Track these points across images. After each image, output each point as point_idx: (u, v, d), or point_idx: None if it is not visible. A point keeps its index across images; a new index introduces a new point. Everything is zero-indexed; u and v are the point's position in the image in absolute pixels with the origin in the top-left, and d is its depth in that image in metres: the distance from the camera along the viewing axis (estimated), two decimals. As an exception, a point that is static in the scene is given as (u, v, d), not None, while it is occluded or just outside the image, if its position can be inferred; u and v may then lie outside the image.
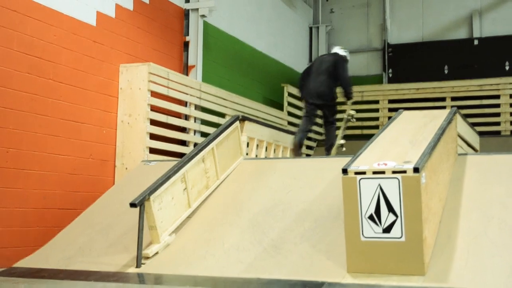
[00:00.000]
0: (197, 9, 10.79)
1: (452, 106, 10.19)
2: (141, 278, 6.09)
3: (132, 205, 6.36)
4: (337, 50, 10.71)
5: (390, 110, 14.89)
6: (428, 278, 5.26)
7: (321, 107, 10.15)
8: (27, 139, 7.51)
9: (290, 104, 13.84)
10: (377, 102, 15.46)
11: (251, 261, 6.15)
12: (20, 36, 7.45)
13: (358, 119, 15.33)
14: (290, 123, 13.58)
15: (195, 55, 10.81)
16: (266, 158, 9.20)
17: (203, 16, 10.84)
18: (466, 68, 15.17)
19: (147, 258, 6.40)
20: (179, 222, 6.99)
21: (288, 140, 10.32)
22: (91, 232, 7.14)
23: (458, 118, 7.99)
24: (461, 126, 8.15)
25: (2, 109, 7.19)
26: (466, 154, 7.80)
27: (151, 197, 6.49)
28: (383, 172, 5.43)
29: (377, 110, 15.40)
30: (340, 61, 10.33)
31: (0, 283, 5.82)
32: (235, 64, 12.31)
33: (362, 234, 5.48)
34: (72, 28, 8.24)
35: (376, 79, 16.16)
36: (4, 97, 7.22)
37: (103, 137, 8.72)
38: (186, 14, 10.81)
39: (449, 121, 7.10)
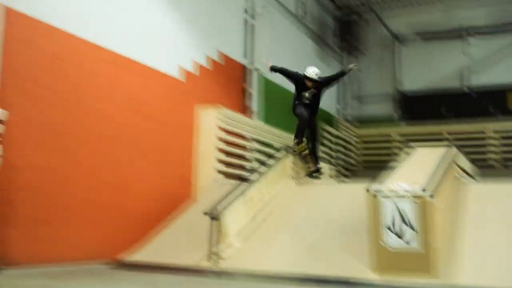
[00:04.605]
0: (252, 64, 10.93)
1: (451, 144, 10.06)
2: (213, 272, 6.15)
3: (208, 215, 6.46)
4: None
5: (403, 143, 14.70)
6: (438, 280, 5.22)
7: None
8: (127, 161, 7.71)
9: (324, 138, 13.78)
10: (391, 138, 15.24)
11: (296, 261, 6.15)
12: (128, 87, 7.80)
13: (373, 148, 15.36)
14: (323, 152, 13.50)
15: (252, 100, 10.93)
16: (307, 181, 9.13)
17: (257, 69, 10.96)
18: (459, 111, 14.97)
19: (219, 256, 6.45)
20: (243, 228, 7.04)
21: (323, 167, 10.30)
22: (180, 236, 7.24)
23: (460, 154, 7.92)
24: (462, 160, 8.08)
25: (112, 138, 7.43)
26: (467, 182, 7.66)
27: (223, 209, 6.58)
28: (404, 194, 5.42)
29: (389, 141, 15.21)
30: None
31: (105, 272, 5.93)
32: (280, 106, 12.33)
33: (384, 241, 5.45)
34: (163, 80, 8.50)
35: (389, 120, 16.06)
36: (113, 129, 7.46)
37: (184, 161, 8.84)
38: (244, 69, 10.92)
39: (453, 156, 7.06)
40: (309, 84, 8.46)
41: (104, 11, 7.47)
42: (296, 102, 8.62)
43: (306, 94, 8.51)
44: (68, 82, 6.83)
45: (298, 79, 8.58)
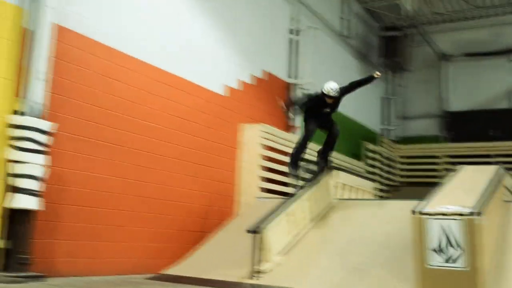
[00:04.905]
0: (296, 82, 10.98)
1: (497, 162, 9.83)
2: (254, 288, 6.14)
3: (250, 231, 6.46)
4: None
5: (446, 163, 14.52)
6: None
7: None
8: (171, 176, 7.80)
9: (367, 156, 13.66)
10: (435, 157, 15.06)
11: (339, 281, 6.08)
12: (173, 104, 7.91)
13: (417, 170, 15.13)
14: (368, 172, 13.40)
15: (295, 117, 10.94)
16: (350, 199, 9.08)
17: (301, 87, 10.97)
18: (506, 131, 14.64)
19: (260, 273, 6.42)
20: (284, 246, 6.99)
21: (366, 185, 10.19)
22: (220, 251, 7.26)
23: (507, 173, 7.73)
24: (509, 180, 7.88)
25: (158, 153, 7.56)
26: (513, 202, 7.50)
27: (265, 226, 6.56)
28: (451, 215, 5.30)
29: (435, 163, 14.99)
30: None
31: (152, 285, 5.99)
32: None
33: (429, 263, 5.34)
34: (208, 98, 8.60)
35: (434, 139, 15.82)
36: (159, 145, 7.59)
37: (227, 178, 8.89)
38: (288, 86, 10.94)
39: (500, 176, 6.89)
40: (329, 101, 7.89)
41: (154, 30, 7.65)
42: (310, 114, 8.08)
43: (327, 110, 8.03)
44: (117, 99, 6.99)
45: (318, 102, 7.92)
